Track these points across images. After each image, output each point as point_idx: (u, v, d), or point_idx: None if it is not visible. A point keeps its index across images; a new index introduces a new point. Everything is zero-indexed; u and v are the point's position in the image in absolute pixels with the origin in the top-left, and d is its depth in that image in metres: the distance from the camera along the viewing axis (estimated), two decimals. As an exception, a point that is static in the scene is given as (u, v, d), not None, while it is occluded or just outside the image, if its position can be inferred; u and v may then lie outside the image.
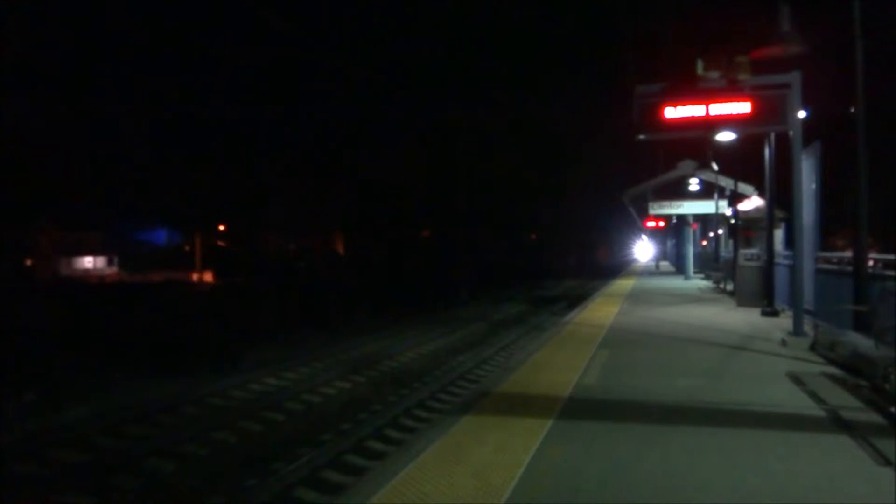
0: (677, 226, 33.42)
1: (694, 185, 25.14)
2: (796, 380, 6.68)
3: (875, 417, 5.21)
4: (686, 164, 25.57)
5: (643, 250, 76.37)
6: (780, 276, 12.89)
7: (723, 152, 21.10)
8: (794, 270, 9.30)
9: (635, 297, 18.17)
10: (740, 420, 5.37)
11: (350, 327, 18.28)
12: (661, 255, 50.57)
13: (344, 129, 39.52)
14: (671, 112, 8.77)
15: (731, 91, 8.58)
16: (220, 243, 52.38)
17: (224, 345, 14.26)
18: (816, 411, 5.57)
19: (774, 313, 12.34)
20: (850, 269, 8.05)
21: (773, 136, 12.50)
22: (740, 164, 19.37)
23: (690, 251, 28.48)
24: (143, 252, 51.77)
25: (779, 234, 14.77)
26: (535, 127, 46.28)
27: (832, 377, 6.72)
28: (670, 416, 5.48)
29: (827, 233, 12.35)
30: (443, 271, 36.17)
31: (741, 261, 14.79)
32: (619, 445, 4.69)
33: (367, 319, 20.18)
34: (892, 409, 5.14)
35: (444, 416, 6.56)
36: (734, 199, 19.89)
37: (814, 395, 5.99)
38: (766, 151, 12.89)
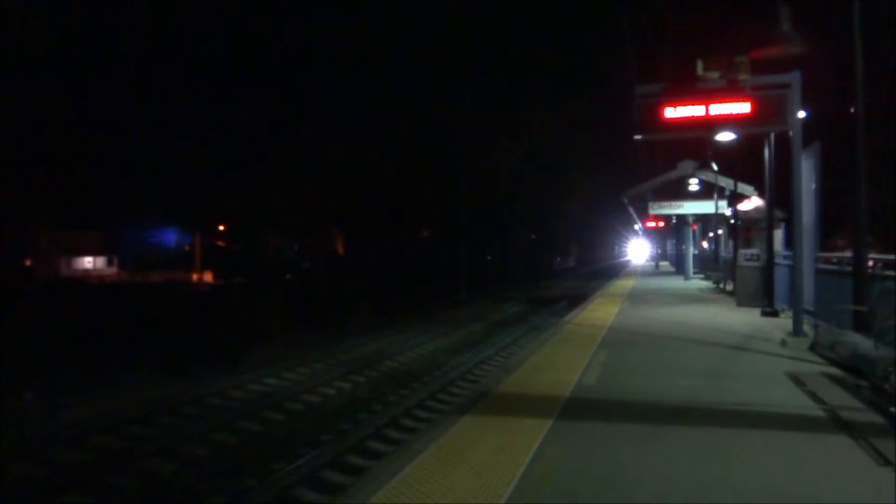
0: (677, 226, 33.42)
1: (694, 185, 25.13)
2: (796, 380, 6.68)
3: (875, 417, 5.21)
4: (686, 164, 25.56)
5: (639, 251, 76.16)
6: (780, 276, 12.89)
7: (723, 152, 21.10)
8: (793, 270, 9.30)
9: (635, 297, 18.18)
10: (740, 420, 5.37)
11: (350, 327, 18.28)
12: (661, 256, 50.55)
13: (344, 128, 39.52)
14: (671, 112, 8.77)
15: (731, 91, 8.59)
16: (220, 243, 52.39)
17: (224, 345, 14.26)
18: (816, 411, 5.57)
19: (774, 313, 12.34)
20: (849, 269, 8.05)
21: (773, 136, 12.50)
22: (740, 164, 19.38)
23: (690, 251, 28.48)
24: (144, 252, 51.76)
25: (779, 234, 14.76)
26: (534, 126, 46.23)
27: (832, 377, 6.72)
28: (670, 416, 5.48)
29: (827, 233, 12.33)
30: (442, 271, 36.16)
31: (741, 261, 14.79)
32: (619, 445, 4.69)
33: (367, 319, 20.18)
34: (892, 409, 5.13)
35: (444, 416, 6.56)
36: (734, 199, 19.89)
37: (814, 396, 5.99)
38: (766, 151, 12.89)
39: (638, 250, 77.83)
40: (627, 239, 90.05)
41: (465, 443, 4.74)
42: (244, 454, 7.60)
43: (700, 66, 8.62)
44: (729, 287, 18.43)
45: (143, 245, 52.87)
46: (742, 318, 12.28)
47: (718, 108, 8.64)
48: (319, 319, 19.38)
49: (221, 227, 53.12)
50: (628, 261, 77.79)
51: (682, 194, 25.49)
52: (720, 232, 25.36)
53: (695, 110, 8.73)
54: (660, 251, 52.77)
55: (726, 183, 22.04)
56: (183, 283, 38.93)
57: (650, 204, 26.29)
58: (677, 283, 25.32)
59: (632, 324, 11.74)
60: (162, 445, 7.62)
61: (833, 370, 7.06)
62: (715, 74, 8.60)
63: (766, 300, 13.07)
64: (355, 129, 39.44)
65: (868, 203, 7.82)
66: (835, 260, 9.80)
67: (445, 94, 40.22)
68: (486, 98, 41.98)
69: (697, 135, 12.84)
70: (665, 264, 45.01)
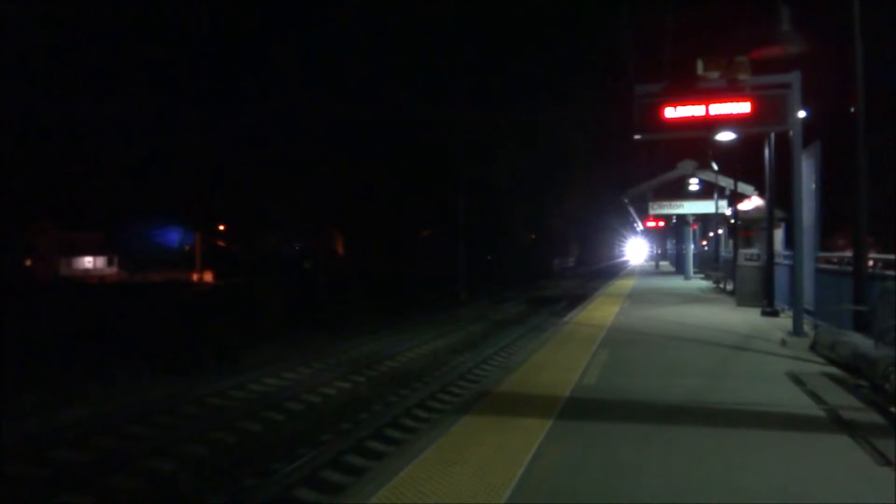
0: (677, 226, 33.42)
1: (694, 185, 25.15)
2: (796, 380, 6.68)
3: (875, 417, 5.21)
4: (686, 164, 25.57)
5: (638, 250, 75.96)
6: (780, 276, 12.89)
7: (723, 152, 21.10)
8: (793, 270, 9.30)
9: (635, 297, 18.17)
10: (740, 420, 5.37)
11: (350, 327, 18.28)
12: (661, 255, 50.53)
13: (344, 128, 39.54)
14: (671, 112, 8.78)
15: (731, 91, 8.59)
16: (221, 243, 52.38)
17: (224, 345, 14.25)
18: (816, 411, 5.57)
19: (774, 313, 12.34)
20: (850, 268, 8.05)
21: (773, 136, 12.50)
22: (740, 164, 19.37)
23: (690, 251, 28.48)
24: (144, 252, 51.76)
25: (779, 234, 14.76)
26: (534, 126, 46.27)
27: (832, 377, 6.72)
28: (670, 416, 5.47)
29: (827, 233, 12.33)
30: (442, 272, 36.15)
31: (741, 261, 14.79)
32: (619, 445, 4.69)
33: (367, 319, 20.17)
34: (892, 409, 5.14)
35: (444, 416, 6.56)
36: (734, 198, 19.88)
37: (814, 395, 5.99)
38: (766, 151, 12.89)
39: (636, 250, 77.58)
40: (628, 239, 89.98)
41: (466, 442, 4.74)
42: (244, 454, 7.60)
43: (700, 65, 8.62)
44: (729, 287, 18.44)
45: (143, 245, 52.88)
46: (742, 318, 12.28)
47: (718, 108, 8.64)
48: (320, 319, 19.37)
49: (221, 227, 53.13)
50: (626, 261, 77.48)
51: (682, 194, 25.51)
52: (720, 232, 25.36)
53: (695, 110, 8.73)
54: (659, 251, 52.75)
55: (726, 183, 22.04)
56: (183, 283, 38.90)
57: (650, 204, 26.31)
58: (677, 282, 25.32)
59: (632, 323, 11.74)
60: (162, 445, 7.62)
61: (833, 370, 7.06)
62: (715, 74, 8.61)
63: (766, 300, 13.07)
64: (355, 130, 39.43)
65: (868, 203, 7.82)
66: (835, 260, 9.80)
67: (446, 95, 40.21)
68: (486, 98, 41.98)
69: (697, 135, 12.83)
70: (665, 264, 44.99)
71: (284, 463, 7.09)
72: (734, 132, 12.80)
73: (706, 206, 24.47)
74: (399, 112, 38.37)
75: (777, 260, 13.17)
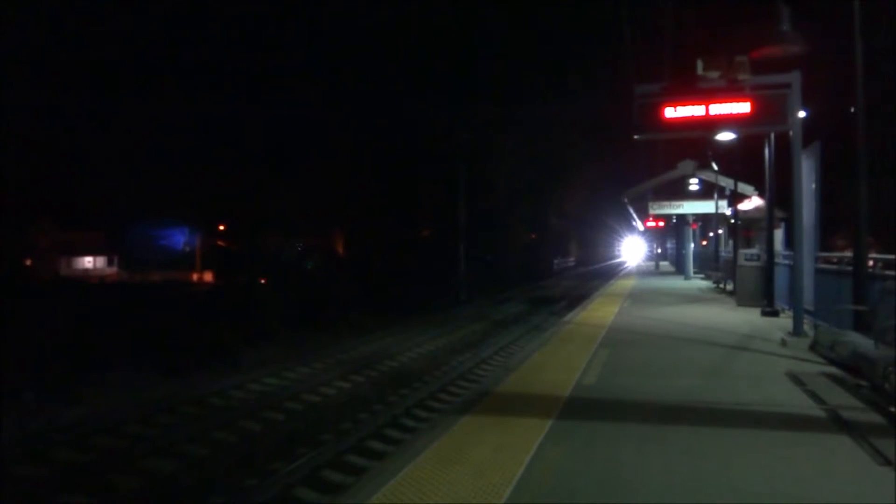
0: (677, 226, 33.41)
1: (694, 185, 25.14)
2: (796, 380, 6.69)
3: (875, 417, 5.21)
4: (686, 164, 25.56)
5: (635, 251, 75.80)
6: (780, 276, 12.90)
7: (723, 152, 21.10)
8: (794, 270, 9.31)
9: (635, 297, 18.17)
10: (740, 420, 5.37)
11: (350, 327, 18.27)
12: (661, 255, 50.51)
13: (344, 127, 39.58)
14: (671, 112, 8.78)
15: (731, 91, 8.59)
16: (221, 243, 52.36)
17: (224, 345, 14.25)
18: (816, 411, 5.57)
19: (774, 313, 12.34)
20: (850, 269, 8.06)
21: (773, 136, 12.50)
22: (740, 164, 19.37)
23: (690, 251, 28.48)
24: (144, 252, 51.75)
25: (779, 234, 14.76)
26: (534, 125, 46.25)
27: (832, 377, 6.72)
28: (670, 416, 5.48)
29: (827, 233, 12.34)
30: (442, 271, 36.13)
31: (741, 261, 14.80)
32: (619, 445, 4.69)
33: (367, 319, 20.16)
34: (892, 409, 5.13)
35: (444, 416, 6.56)
36: (734, 199, 19.89)
37: (814, 395, 5.99)
38: (766, 151, 12.89)
39: (634, 250, 77.43)
40: (627, 239, 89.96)
41: (466, 442, 4.74)
42: (244, 454, 7.60)
43: (700, 65, 8.62)
44: (729, 287, 18.44)
45: (143, 245, 52.86)
46: (742, 318, 12.28)
47: (718, 108, 8.64)
48: (320, 319, 19.36)
49: (221, 227, 53.13)
50: (623, 262, 77.35)
51: (682, 194, 25.51)
52: (720, 232, 25.36)
53: (695, 110, 8.73)
54: (659, 251, 52.74)
55: (726, 183, 22.03)
56: (183, 283, 38.92)
57: (650, 204, 26.32)
58: (677, 282, 25.32)
59: (632, 323, 11.74)
60: (162, 445, 7.62)
61: (833, 370, 7.06)
62: (715, 74, 8.60)
63: (766, 300, 13.07)
64: (356, 130, 39.44)
65: (868, 203, 7.82)
66: (835, 260, 9.81)
67: (446, 94, 40.22)
68: (486, 97, 41.97)
69: (697, 135, 12.83)
70: (665, 264, 44.98)
71: (284, 463, 7.09)
72: (734, 132, 12.81)
73: (706, 206, 24.47)
74: (399, 111, 38.37)
75: (777, 260, 13.17)
